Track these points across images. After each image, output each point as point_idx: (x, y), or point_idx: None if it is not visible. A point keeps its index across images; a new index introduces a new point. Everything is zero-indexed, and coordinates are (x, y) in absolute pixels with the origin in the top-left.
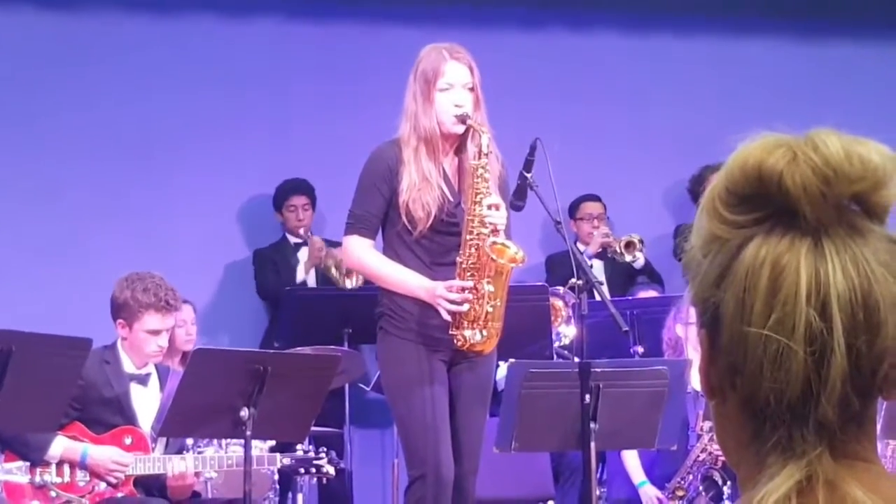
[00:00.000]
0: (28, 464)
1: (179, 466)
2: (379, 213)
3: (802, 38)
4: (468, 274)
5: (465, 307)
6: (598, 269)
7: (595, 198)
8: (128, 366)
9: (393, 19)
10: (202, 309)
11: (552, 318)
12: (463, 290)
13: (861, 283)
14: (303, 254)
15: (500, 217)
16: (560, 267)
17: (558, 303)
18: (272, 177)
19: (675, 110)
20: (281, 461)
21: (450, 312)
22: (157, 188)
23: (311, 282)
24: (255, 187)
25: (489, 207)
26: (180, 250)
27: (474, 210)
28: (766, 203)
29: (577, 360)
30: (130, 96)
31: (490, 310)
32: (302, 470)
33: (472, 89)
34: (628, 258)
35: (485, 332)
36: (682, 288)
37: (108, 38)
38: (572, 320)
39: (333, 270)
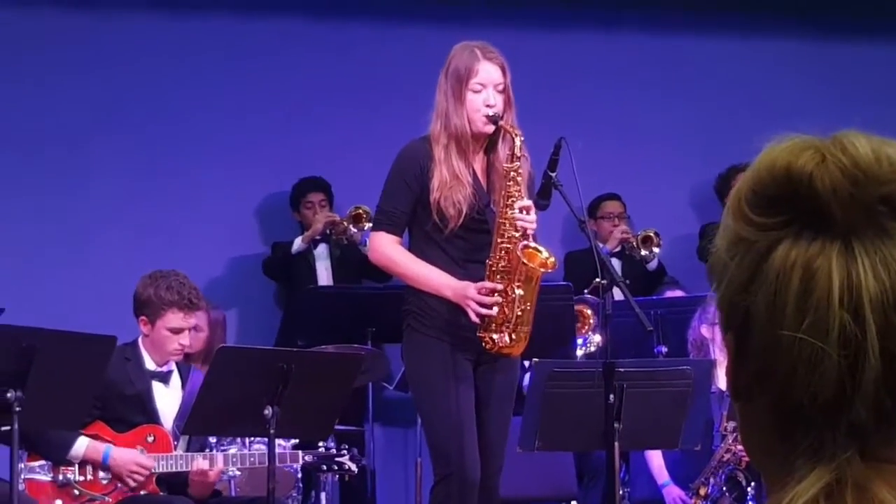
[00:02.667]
0: (51, 463)
1: (202, 464)
2: (407, 210)
3: (830, 38)
4: (498, 277)
5: (495, 310)
6: (615, 268)
7: (615, 196)
8: (149, 363)
9: (411, 17)
10: (215, 307)
11: (580, 324)
12: (493, 292)
13: (893, 284)
14: (320, 250)
15: (531, 221)
16: (579, 265)
17: (587, 310)
18: (289, 174)
19: (700, 110)
20: (303, 458)
21: (478, 315)
22: (175, 186)
23: (326, 278)
24: (271, 185)
25: (521, 210)
26: (196, 247)
27: (506, 213)
28: (794, 205)
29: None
30: (147, 93)
31: (519, 313)
32: (324, 467)
33: (503, 90)
34: (644, 252)
35: (514, 336)
36: (705, 288)
37: (123, 35)
38: (599, 328)
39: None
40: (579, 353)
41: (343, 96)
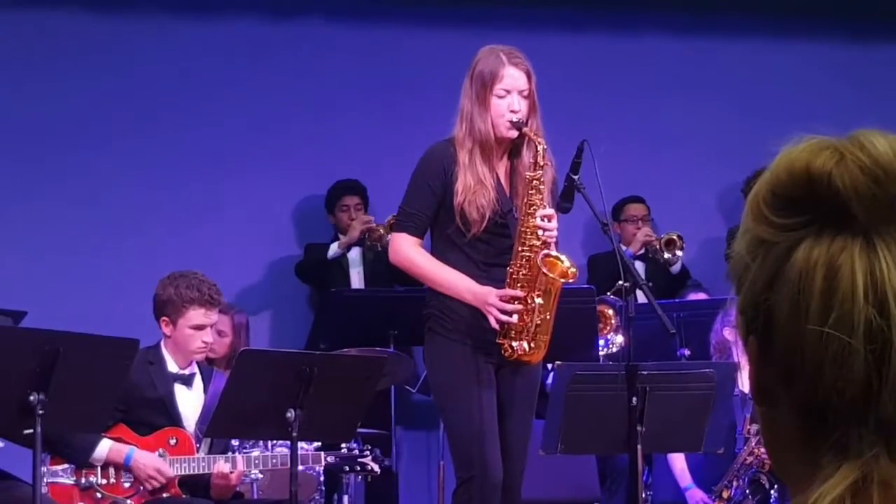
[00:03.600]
0: (73, 467)
1: (223, 466)
2: (430, 213)
3: (856, 40)
4: (518, 285)
5: (515, 318)
6: (638, 271)
7: (639, 199)
8: (171, 366)
9: (438, 21)
10: (249, 310)
11: (602, 325)
12: (514, 299)
13: None
14: (353, 255)
15: (552, 229)
16: (602, 268)
17: (609, 311)
18: (324, 178)
19: (723, 113)
20: (326, 459)
21: (498, 321)
22: (208, 189)
23: (358, 282)
24: (307, 188)
25: (542, 219)
26: (231, 251)
27: (528, 221)
28: (814, 205)
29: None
30: (178, 98)
31: (539, 322)
32: (347, 468)
33: (528, 96)
34: (668, 255)
35: (532, 344)
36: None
37: (153, 39)
38: (621, 329)
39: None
40: (601, 353)
41: (379, 100)
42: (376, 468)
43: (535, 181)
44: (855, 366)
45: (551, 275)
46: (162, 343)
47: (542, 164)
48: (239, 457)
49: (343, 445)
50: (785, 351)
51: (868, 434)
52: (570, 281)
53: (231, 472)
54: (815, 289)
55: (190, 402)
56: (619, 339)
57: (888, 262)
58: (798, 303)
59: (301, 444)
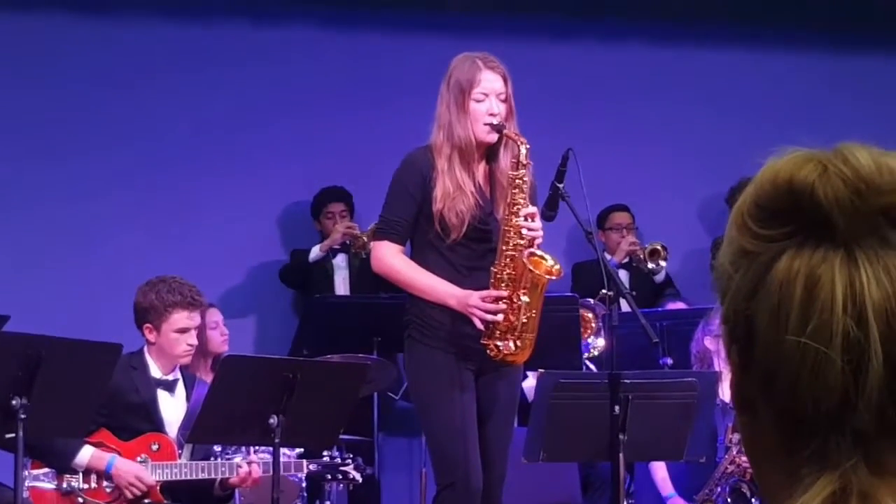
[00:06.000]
0: (55, 471)
1: (241, 471)
2: (410, 219)
3: (842, 50)
4: (503, 285)
5: (500, 317)
6: (622, 279)
7: (624, 208)
8: (154, 372)
9: (426, 28)
10: (233, 314)
11: (582, 329)
12: (498, 300)
13: (895, 292)
14: (339, 260)
15: (536, 228)
16: (586, 276)
17: (588, 314)
18: (310, 184)
19: (708, 122)
20: (308, 467)
21: (483, 322)
22: (192, 194)
23: (343, 289)
24: (292, 194)
25: (526, 218)
26: (216, 257)
27: (511, 221)
28: (797, 217)
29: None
30: (163, 102)
31: (525, 320)
32: (329, 476)
33: (505, 99)
34: (651, 266)
35: (518, 343)
36: (711, 300)
37: (142, 43)
38: (602, 332)
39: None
40: (584, 357)
41: (366, 107)
42: (358, 477)
43: (517, 180)
44: (831, 376)
45: (537, 272)
46: (145, 349)
47: (525, 163)
48: (223, 462)
49: (325, 453)
50: (764, 360)
51: (846, 445)
52: (556, 278)
53: (251, 467)
54: (794, 299)
55: (172, 407)
56: (601, 342)
57: (868, 274)
58: (778, 313)
59: (283, 451)
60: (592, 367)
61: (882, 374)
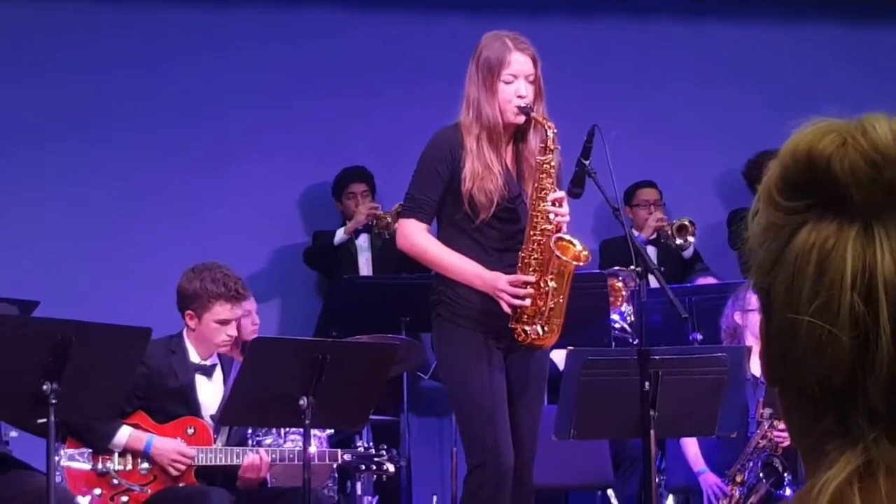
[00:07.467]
0: (90, 451)
1: (252, 458)
2: (437, 198)
3: (863, 23)
4: (530, 270)
5: (527, 302)
6: (650, 256)
7: (651, 184)
8: (193, 356)
9: (447, 6)
10: (256, 296)
11: (613, 299)
12: (525, 284)
13: None
14: (362, 241)
15: (564, 213)
16: (614, 252)
17: (618, 283)
18: (332, 165)
19: (728, 97)
20: (342, 457)
21: (511, 307)
22: (216, 177)
23: (366, 269)
24: (314, 176)
25: (553, 203)
26: (238, 238)
27: (538, 205)
28: (816, 189)
29: (636, 343)
30: (187, 85)
31: (552, 306)
32: (362, 466)
33: (534, 81)
34: (679, 241)
35: (546, 328)
36: (736, 275)
37: (159, 27)
38: (633, 300)
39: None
40: (619, 326)
41: (388, 87)
42: (391, 468)
43: (545, 165)
44: (837, 354)
45: (564, 257)
46: (185, 333)
47: (552, 147)
48: (263, 451)
49: (359, 444)
50: (777, 335)
51: (862, 421)
52: (583, 264)
53: (260, 461)
54: (807, 273)
55: (210, 392)
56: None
57: (884, 248)
58: (792, 286)
59: (314, 432)
60: (630, 333)
61: (892, 351)
